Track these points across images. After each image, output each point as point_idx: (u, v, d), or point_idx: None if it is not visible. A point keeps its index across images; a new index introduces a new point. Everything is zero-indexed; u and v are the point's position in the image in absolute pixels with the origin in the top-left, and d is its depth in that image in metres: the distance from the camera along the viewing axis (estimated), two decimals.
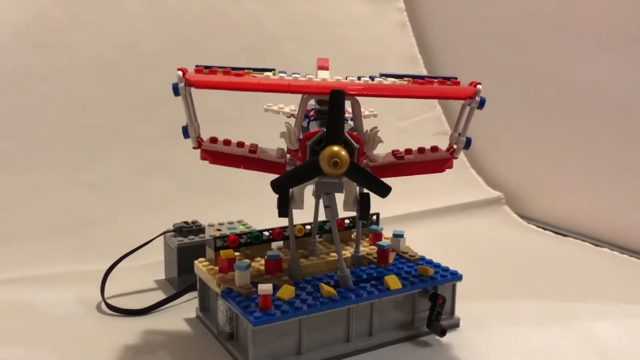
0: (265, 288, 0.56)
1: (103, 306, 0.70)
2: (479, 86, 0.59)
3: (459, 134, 0.62)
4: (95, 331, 0.65)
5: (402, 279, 0.63)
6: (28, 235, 0.84)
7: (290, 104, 0.74)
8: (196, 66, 0.60)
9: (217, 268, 0.64)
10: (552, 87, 1.05)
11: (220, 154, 0.60)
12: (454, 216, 1.08)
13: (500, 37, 1.14)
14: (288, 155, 0.61)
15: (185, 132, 0.59)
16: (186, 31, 1.08)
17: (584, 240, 0.97)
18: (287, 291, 0.58)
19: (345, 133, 0.54)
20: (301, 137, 0.57)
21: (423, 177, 1.22)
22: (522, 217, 1.09)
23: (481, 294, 0.73)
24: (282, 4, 1.17)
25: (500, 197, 1.13)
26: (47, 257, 0.81)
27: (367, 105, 0.74)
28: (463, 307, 0.67)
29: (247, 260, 0.62)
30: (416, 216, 1.05)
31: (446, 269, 0.67)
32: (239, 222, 0.82)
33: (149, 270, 0.80)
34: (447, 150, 0.64)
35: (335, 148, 0.51)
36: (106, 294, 0.72)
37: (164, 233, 0.76)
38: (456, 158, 0.63)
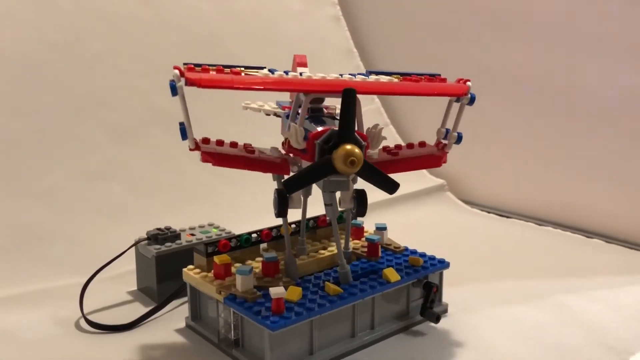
0: (277, 291, 0.55)
1: (83, 324, 0.66)
2: (469, 83, 0.62)
3: (447, 130, 0.64)
4: (82, 351, 0.61)
5: (397, 271, 0.64)
6: None
7: (269, 101, 0.73)
8: (185, 64, 0.57)
9: (211, 274, 0.62)
10: (486, 76, 1.10)
11: (223, 155, 0.58)
12: (402, 206, 1.11)
13: (433, 28, 1.18)
14: (287, 154, 0.60)
15: (184, 133, 0.56)
16: (123, 28, 1.03)
17: (527, 221, 1.04)
18: (294, 292, 0.58)
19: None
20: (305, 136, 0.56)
21: None
22: (466, 202, 1.15)
23: (455, 279, 0.75)
24: None
25: (443, 184, 1.18)
26: (3, 276, 0.74)
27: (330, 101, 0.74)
28: (445, 293, 0.70)
29: (249, 265, 0.60)
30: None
31: (433, 258, 0.69)
32: (209, 225, 0.79)
33: (117, 282, 0.76)
34: (436, 145, 0.66)
35: (349, 147, 0.51)
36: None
37: (137, 242, 0.73)
38: (447, 152, 0.65)
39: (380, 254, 0.69)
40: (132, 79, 0.99)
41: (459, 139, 0.63)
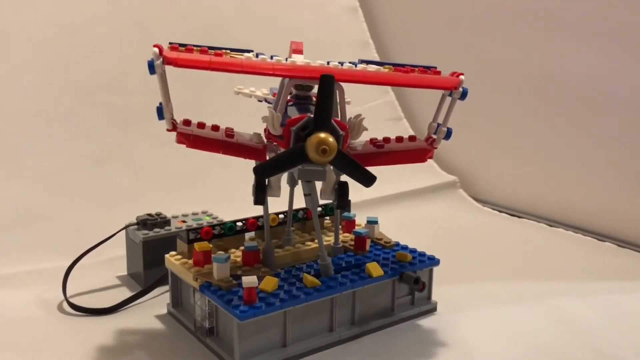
0: (250, 280, 0.54)
1: (65, 306, 0.66)
2: (461, 77, 0.59)
3: (439, 124, 0.62)
4: (61, 333, 0.61)
5: (382, 266, 0.62)
6: None
7: (262, 87, 0.72)
8: (170, 43, 0.56)
9: (191, 261, 0.62)
10: (505, 73, 1.07)
11: (198, 137, 0.57)
12: (411, 201, 1.09)
13: (452, 22, 1.15)
14: (268, 141, 0.59)
15: (160, 113, 0.55)
16: (135, 14, 1.03)
17: (538, 221, 1.00)
18: (270, 283, 0.56)
19: (332, 120, 0.53)
20: (283, 122, 0.55)
21: None
22: (477, 200, 1.11)
23: (451, 277, 0.73)
24: None
25: (455, 180, 1.15)
26: None
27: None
28: (437, 291, 0.67)
29: (226, 253, 0.59)
30: (374, 202, 1.05)
31: (423, 254, 0.67)
32: (203, 212, 0.79)
33: (109, 266, 0.76)
34: (426, 140, 0.63)
35: (323, 135, 0.49)
36: (67, 293, 0.67)
37: (127, 226, 0.73)
38: (436, 148, 0.62)
39: (368, 247, 0.67)
40: (139, 65, 0.98)
41: (448, 134, 0.61)
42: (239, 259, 0.62)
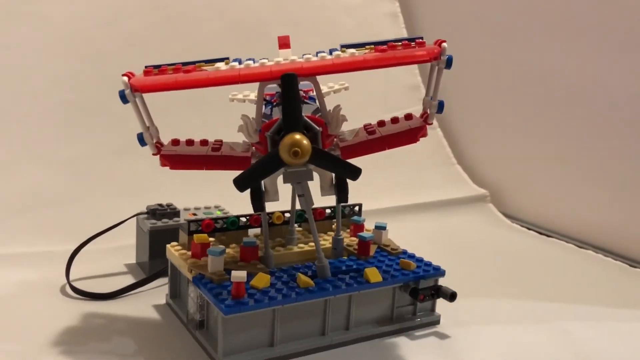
0: (238, 275, 0.53)
1: (68, 289, 0.67)
2: (444, 44, 0.55)
3: (431, 98, 0.59)
4: (58, 315, 0.62)
5: (382, 272, 0.60)
6: None
7: (255, 89, 0.71)
8: (145, 67, 0.56)
9: (189, 253, 0.61)
10: (543, 86, 1.03)
11: (180, 157, 0.57)
12: (438, 212, 1.06)
13: (493, 32, 1.11)
14: (253, 148, 0.58)
15: (141, 140, 0.56)
16: (170, 9, 1.04)
17: (567, 242, 0.95)
18: (262, 279, 0.55)
19: (305, 117, 0.51)
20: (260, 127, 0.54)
21: (408, 172, 1.19)
22: (507, 215, 1.07)
23: (463, 291, 0.69)
24: None
25: (486, 194, 1.11)
26: (9, 235, 0.77)
27: (338, 78, 0.71)
28: (444, 304, 0.65)
29: (222, 246, 0.59)
30: (400, 210, 1.03)
31: (429, 264, 0.64)
32: (216, 207, 0.79)
33: (119, 253, 0.77)
34: (421, 116, 0.61)
35: (297, 136, 0.48)
36: (72, 277, 0.68)
37: (136, 215, 0.73)
38: (430, 124, 0.59)
39: (373, 253, 0.65)
40: (169, 60, 1.00)
41: (440, 107, 0.58)
42: (237, 254, 0.61)
